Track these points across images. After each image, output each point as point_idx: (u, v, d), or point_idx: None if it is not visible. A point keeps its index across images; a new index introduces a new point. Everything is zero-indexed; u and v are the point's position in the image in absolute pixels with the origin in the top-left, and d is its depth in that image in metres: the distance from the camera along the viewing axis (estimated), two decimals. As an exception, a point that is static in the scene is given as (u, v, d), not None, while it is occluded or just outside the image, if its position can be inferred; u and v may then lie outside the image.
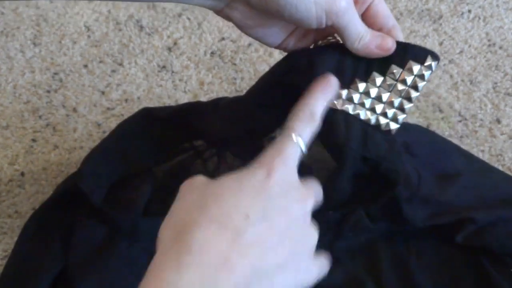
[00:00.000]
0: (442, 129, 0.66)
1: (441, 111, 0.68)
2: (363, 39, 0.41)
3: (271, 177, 0.35)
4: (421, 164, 0.52)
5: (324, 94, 0.40)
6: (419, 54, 0.42)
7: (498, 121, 0.67)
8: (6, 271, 0.50)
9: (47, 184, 0.60)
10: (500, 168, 0.62)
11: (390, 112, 0.43)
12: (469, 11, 0.79)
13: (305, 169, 0.42)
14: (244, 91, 0.69)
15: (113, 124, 0.66)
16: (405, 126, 0.54)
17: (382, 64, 0.42)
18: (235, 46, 0.75)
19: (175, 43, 0.75)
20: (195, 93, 0.70)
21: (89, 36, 0.76)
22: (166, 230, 0.34)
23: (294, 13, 0.38)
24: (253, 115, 0.46)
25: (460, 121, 0.67)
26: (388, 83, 0.43)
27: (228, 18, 0.41)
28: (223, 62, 0.73)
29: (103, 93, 0.70)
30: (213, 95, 0.69)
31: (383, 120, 0.43)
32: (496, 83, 0.71)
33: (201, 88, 0.71)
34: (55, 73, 0.72)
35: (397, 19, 0.79)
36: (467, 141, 0.65)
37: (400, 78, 0.42)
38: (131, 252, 0.47)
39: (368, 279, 0.48)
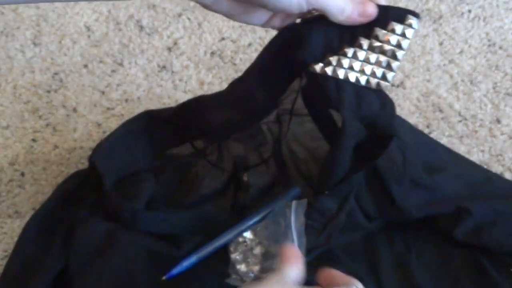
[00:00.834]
0: (442, 129, 0.66)
1: (441, 111, 0.68)
2: (345, 11, 0.43)
3: None
4: (405, 148, 0.53)
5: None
6: (399, 14, 0.44)
7: (498, 121, 0.67)
8: (6, 271, 0.50)
9: (47, 184, 0.60)
10: (500, 168, 0.62)
11: (379, 72, 0.46)
12: (469, 11, 0.79)
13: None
14: (244, 91, 0.70)
15: (113, 124, 0.66)
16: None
17: (366, 29, 0.45)
18: (235, 46, 0.75)
19: (175, 43, 0.75)
20: (195, 93, 0.70)
21: (89, 36, 0.76)
22: None
23: (276, 3, 0.41)
24: (251, 93, 0.49)
25: (460, 121, 0.67)
26: (374, 45, 0.45)
27: (215, 11, 0.44)
28: (223, 62, 0.73)
29: (103, 93, 0.70)
30: (213, 95, 0.69)
31: (373, 80, 0.46)
32: (496, 83, 0.71)
33: (201, 88, 0.71)
34: (55, 73, 0.72)
35: (397, 19, 0.79)
36: (467, 141, 0.65)
37: (385, 39, 0.45)
38: (131, 251, 0.47)
39: (368, 279, 0.48)
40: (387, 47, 0.45)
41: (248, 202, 0.55)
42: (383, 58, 0.46)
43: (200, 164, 0.57)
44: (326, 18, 0.43)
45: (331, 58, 0.45)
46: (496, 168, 0.62)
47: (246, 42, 0.76)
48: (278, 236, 0.47)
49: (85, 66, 0.73)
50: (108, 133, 0.59)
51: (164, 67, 0.73)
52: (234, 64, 0.73)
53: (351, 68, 0.46)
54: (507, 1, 0.81)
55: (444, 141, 0.64)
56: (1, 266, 0.52)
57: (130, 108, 0.68)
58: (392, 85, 0.71)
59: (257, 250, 0.49)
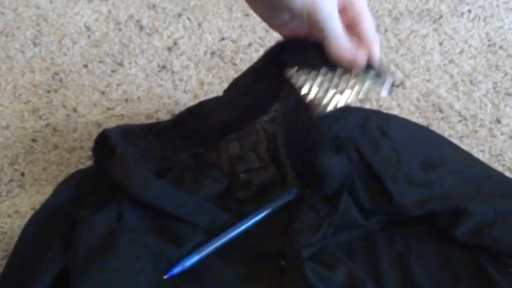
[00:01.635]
0: (442, 129, 0.66)
1: (441, 111, 0.68)
2: (341, 49, 0.43)
3: None
4: (400, 147, 0.54)
5: None
6: (378, 77, 0.45)
7: (498, 121, 0.67)
8: (6, 271, 0.50)
9: (47, 184, 0.60)
10: (500, 168, 0.62)
11: (347, 93, 0.47)
12: (469, 11, 0.79)
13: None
14: (244, 91, 0.70)
15: (113, 124, 0.66)
16: (387, 116, 0.60)
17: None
18: (235, 46, 0.75)
19: (175, 43, 0.75)
20: (195, 93, 0.70)
21: (89, 36, 0.76)
22: None
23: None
24: (249, 90, 0.51)
25: (460, 121, 0.67)
26: (351, 78, 0.46)
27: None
28: (223, 62, 0.73)
29: (103, 93, 0.70)
30: (213, 95, 0.69)
31: (343, 100, 0.47)
32: (496, 83, 0.71)
33: (201, 88, 0.71)
34: (55, 73, 0.72)
35: (397, 19, 0.79)
36: (467, 141, 0.65)
37: (352, 83, 0.45)
38: (132, 250, 0.47)
39: (368, 279, 0.48)
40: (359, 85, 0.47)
41: (247, 200, 0.55)
42: (356, 86, 0.46)
43: (198, 166, 0.57)
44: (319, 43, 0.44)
45: (308, 76, 0.46)
46: (496, 168, 0.62)
47: (246, 42, 0.76)
48: None
49: (85, 66, 0.73)
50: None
51: (164, 67, 0.73)
52: (234, 64, 0.73)
53: (326, 89, 0.47)
54: (507, 1, 0.81)
55: (444, 141, 0.65)
56: (1, 266, 0.52)
57: (130, 108, 0.68)
58: (392, 85, 0.71)
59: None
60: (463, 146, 0.64)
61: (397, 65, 0.73)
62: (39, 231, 0.51)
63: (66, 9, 0.80)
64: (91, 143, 0.63)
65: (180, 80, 0.71)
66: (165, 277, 0.47)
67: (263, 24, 0.79)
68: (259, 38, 0.76)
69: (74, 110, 0.68)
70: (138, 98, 0.69)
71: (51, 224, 0.51)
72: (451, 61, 0.73)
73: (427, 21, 0.78)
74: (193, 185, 0.55)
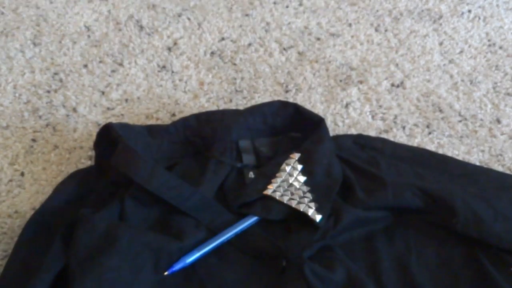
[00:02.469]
0: (442, 129, 0.66)
1: (441, 111, 0.68)
2: None
3: None
4: (381, 156, 0.58)
5: None
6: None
7: (498, 121, 0.67)
8: (6, 271, 0.50)
9: (47, 184, 0.60)
10: (500, 168, 0.62)
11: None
12: (469, 11, 0.79)
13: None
14: (244, 91, 0.70)
15: (113, 124, 0.66)
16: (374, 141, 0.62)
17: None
18: (235, 46, 0.75)
19: (175, 43, 0.76)
20: (195, 93, 0.70)
21: (89, 36, 0.76)
22: None
23: None
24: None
25: (460, 121, 0.67)
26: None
27: None
28: (223, 62, 0.73)
29: (103, 93, 0.70)
30: (213, 95, 0.69)
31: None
32: (496, 83, 0.71)
33: (201, 88, 0.71)
34: (55, 73, 0.72)
35: (397, 19, 0.79)
36: (467, 141, 0.65)
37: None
38: (133, 248, 0.47)
39: (369, 279, 0.48)
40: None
41: (250, 198, 0.55)
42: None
43: (205, 164, 0.57)
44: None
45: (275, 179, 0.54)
46: (496, 168, 0.62)
47: (246, 42, 0.76)
48: None
49: (85, 66, 0.73)
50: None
51: (164, 67, 0.73)
52: (234, 64, 0.73)
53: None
54: (507, 1, 0.81)
55: (444, 141, 0.64)
56: (1, 266, 0.52)
57: (130, 108, 0.68)
58: (392, 85, 0.71)
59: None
60: (463, 146, 0.64)
61: (397, 65, 0.73)
62: (39, 231, 0.51)
63: (66, 9, 0.80)
64: (91, 143, 0.63)
65: (180, 80, 0.71)
66: (166, 273, 0.47)
67: (263, 24, 0.79)
68: (259, 38, 0.76)
69: (74, 110, 0.68)
70: (138, 98, 0.69)
71: (51, 224, 0.51)
72: (451, 61, 0.73)
73: (427, 21, 0.78)
74: (197, 181, 0.55)
